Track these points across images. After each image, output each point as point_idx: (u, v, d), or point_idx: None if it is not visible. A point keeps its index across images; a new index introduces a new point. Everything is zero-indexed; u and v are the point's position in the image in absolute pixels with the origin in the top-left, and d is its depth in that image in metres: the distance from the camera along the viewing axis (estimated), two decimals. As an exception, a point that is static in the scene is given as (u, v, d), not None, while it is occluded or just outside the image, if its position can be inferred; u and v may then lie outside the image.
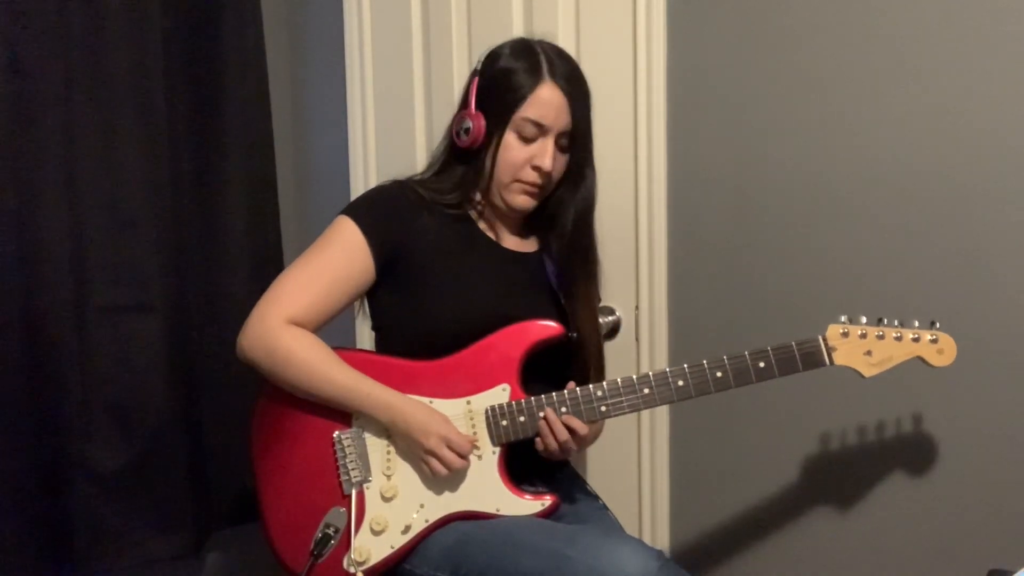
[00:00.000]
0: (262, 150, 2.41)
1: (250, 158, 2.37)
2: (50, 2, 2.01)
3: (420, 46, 2.36)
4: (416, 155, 2.37)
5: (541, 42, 1.62)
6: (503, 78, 1.58)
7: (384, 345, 1.67)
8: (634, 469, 2.12)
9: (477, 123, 1.58)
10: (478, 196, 1.65)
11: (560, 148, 1.60)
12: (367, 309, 1.69)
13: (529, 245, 1.72)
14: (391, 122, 2.43)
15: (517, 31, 2.17)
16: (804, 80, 1.84)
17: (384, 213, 1.60)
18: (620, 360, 2.07)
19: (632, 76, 2.04)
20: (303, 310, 1.55)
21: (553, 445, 1.52)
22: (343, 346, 1.60)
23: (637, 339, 2.09)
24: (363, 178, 2.45)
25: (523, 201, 1.62)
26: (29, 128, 2.01)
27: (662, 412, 2.05)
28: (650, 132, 2.03)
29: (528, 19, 2.18)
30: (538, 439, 1.53)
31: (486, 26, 2.24)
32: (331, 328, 1.62)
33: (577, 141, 1.61)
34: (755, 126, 1.91)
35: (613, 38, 2.06)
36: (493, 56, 1.62)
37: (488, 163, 1.59)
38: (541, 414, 1.52)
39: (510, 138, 1.57)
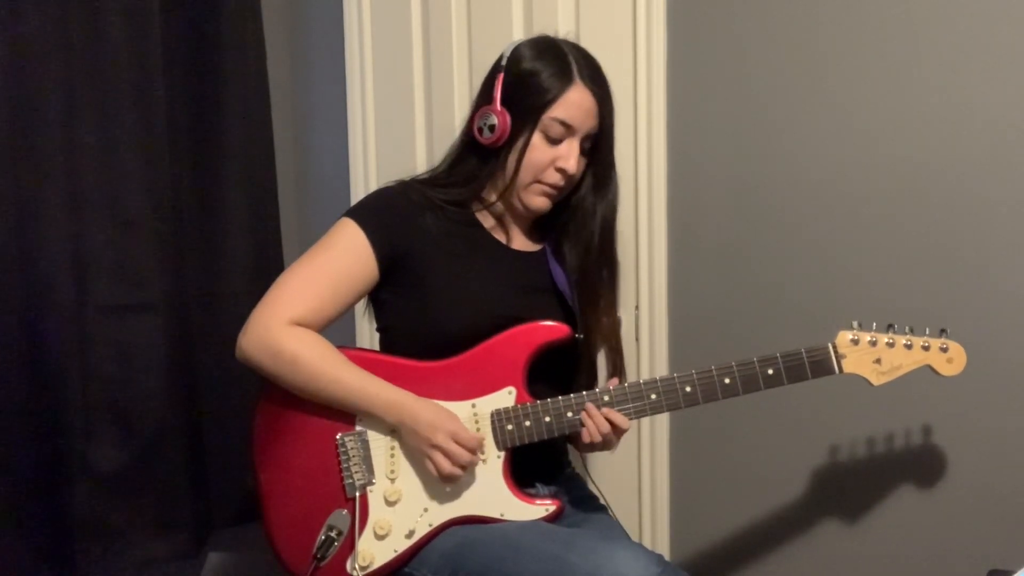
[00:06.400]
0: (262, 150, 2.41)
1: (250, 158, 2.37)
2: (50, 2, 2.01)
3: (420, 46, 2.36)
4: (416, 155, 2.36)
5: (565, 41, 1.59)
6: (533, 77, 1.54)
7: (389, 346, 1.66)
8: (634, 473, 2.12)
9: (503, 120, 1.54)
10: (493, 196, 1.63)
11: (582, 151, 1.58)
12: (372, 310, 1.67)
13: (535, 244, 1.70)
14: (391, 122, 2.42)
15: (517, 31, 2.16)
16: (805, 79, 1.84)
17: (387, 215, 1.58)
18: (620, 360, 2.07)
19: (632, 76, 2.04)
20: (306, 311, 1.53)
21: (597, 438, 1.50)
22: (346, 345, 1.58)
23: (637, 339, 2.09)
24: (363, 178, 2.44)
25: (541, 203, 1.60)
26: (29, 128, 2.00)
27: (662, 416, 2.06)
28: (650, 132, 2.03)
29: (528, 19, 2.18)
30: (583, 431, 1.51)
31: (486, 26, 2.23)
32: (332, 327, 1.60)
33: (602, 144, 1.60)
34: (755, 126, 1.91)
35: (613, 38, 2.06)
36: (519, 53, 1.58)
37: (512, 162, 1.57)
38: (547, 419, 1.52)
39: (537, 138, 1.55)
